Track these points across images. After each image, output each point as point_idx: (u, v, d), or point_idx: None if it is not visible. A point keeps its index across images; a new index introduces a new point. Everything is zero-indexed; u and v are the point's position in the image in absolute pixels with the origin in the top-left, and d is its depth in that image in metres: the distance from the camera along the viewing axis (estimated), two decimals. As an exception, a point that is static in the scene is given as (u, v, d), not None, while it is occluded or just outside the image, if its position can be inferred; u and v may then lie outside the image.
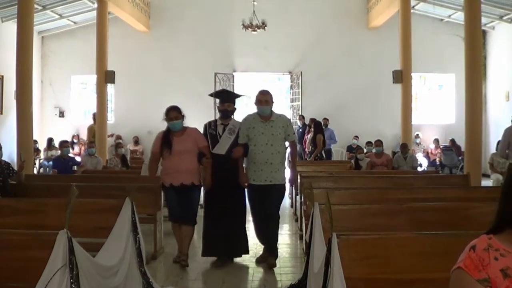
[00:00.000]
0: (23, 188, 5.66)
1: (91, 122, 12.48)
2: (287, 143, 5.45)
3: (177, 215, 5.20)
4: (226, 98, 5.52)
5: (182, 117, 5.21)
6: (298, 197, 6.68)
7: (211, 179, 5.22)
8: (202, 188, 5.45)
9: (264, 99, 5.21)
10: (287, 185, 6.81)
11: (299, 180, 6.95)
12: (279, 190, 5.30)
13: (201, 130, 5.47)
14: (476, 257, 1.38)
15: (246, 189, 5.35)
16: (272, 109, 5.32)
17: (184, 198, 5.13)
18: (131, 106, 14.87)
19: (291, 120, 8.59)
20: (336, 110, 14.35)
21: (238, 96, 5.85)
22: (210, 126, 5.43)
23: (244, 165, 5.37)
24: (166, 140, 5.14)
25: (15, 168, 5.96)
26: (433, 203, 4.53)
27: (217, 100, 5.86)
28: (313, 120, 11.60)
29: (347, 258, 2.77)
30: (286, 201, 8.91)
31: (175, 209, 5.18)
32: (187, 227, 5.16)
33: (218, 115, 5.63)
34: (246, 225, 5.56)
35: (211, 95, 6.17)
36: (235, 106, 5.55)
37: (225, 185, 5.24)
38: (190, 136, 5.19)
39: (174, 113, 5.14)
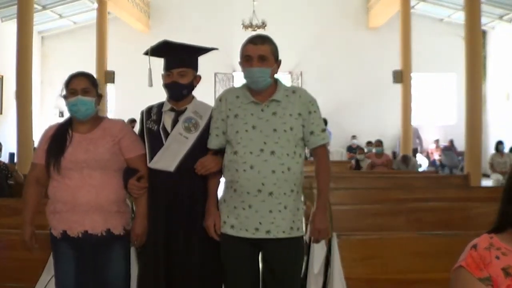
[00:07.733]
0: (22, 189, 5.65)
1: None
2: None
3: None
4: (175, 60, 2.67)
5: (97, 94, 2.58)
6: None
7: (148, 223, 2.57)
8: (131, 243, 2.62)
9: (256, 53, 2.52)
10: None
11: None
12: (289, 251, 2.45)
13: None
14: (478, 255, 1.38)
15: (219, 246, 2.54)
16: (277, 76, 2.58)
17: (92, 266, 2.49)
18: (131, 106, 14.82)
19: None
20: (336, 110, 14.32)
21: (203, 50, 2.79)
22: (150, 116, 2.70)
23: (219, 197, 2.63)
24: (56, 140, 2.52)
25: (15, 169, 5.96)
26: (433, 203, 4.52)
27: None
28: None
29: (347, 258, 2.78)
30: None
31: None
32: None
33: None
34: None
35: (146, 53, 2.79)
36: (198, 74, 2.72)
37: (180, 237, 2.54)
38: (108, 135, 2.55)
39: (82, 81, 2.53)
